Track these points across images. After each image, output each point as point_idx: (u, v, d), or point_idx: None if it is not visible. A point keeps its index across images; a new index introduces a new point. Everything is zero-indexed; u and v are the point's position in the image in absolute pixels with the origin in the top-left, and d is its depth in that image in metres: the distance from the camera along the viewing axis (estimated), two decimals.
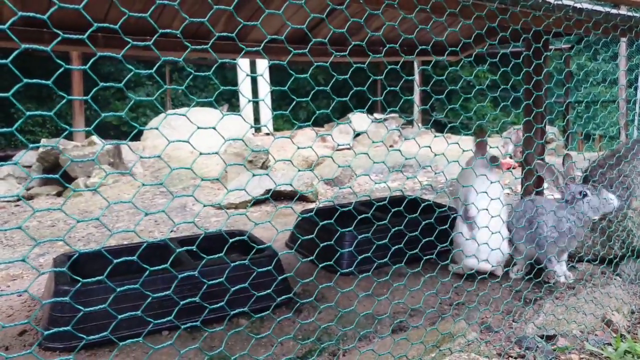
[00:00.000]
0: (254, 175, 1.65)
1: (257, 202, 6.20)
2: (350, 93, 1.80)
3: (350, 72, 1.80)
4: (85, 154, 7.66)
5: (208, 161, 8.44)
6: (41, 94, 13.57)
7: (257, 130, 13.35)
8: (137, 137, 10.65)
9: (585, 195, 2.87)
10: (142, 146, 9.48)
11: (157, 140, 9.47)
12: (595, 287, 2.91)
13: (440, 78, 1.99)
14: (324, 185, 7.38)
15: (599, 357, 2.37)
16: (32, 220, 5.78)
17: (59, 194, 7.11)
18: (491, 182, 2.42)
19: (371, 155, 1.98)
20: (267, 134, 12.74)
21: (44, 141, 7.93)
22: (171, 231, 4.93)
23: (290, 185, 1.91)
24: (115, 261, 1.26)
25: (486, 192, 2.23)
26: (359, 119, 11.40)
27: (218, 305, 1.58)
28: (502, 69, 2.21)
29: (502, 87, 2.18)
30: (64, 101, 1.20)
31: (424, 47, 1.79)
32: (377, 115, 12.63)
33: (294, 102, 1.58)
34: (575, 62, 11.75)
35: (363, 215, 2.09)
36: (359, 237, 3.15)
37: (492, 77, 2.22)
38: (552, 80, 2.66)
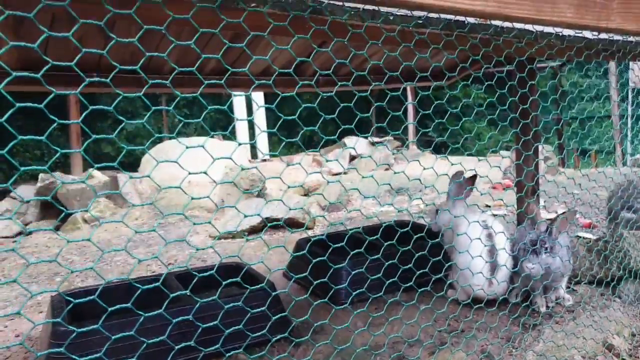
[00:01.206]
0: (248, 213, 1.67)
1: (254, 230, 6.20)
2: (350, 120, 1.83)
3: (345, 97, 1.85)
4: (82, 187, 7.68)
5: (204, 190, 8.46)
6: (39, 127, 13.67)
7: (254, 156, 13.43)
8: (134, 167, 10.68)
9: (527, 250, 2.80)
10: (140, 178, 9.50)
11: (155, 171, 9.50)
12: (594, 310, 2.91)
13: (431, 103, 2.03)
14: (321, 211, 7.39)
15: None
16: (30, 256, 5.78)
17: (57, 229, 7.11)
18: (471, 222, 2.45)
19: (367, 180, 2.00)
20: (264, 160, 12.80)
21: (41, 176, 7.95)
22: (169, 264, 4.93)
23: (288, 211, 1.93)
24: (109, 309, 1.27)
25: (478, 222, 2.25)
26: (354, 143, 11.49)
27: (215, 347, 1.58)
28: (491, 95, 2.25)
29: (487, 112, 2.22)
30: (63, 148, 1.22)
31: (409, 82, 1.84)
32: (372, 139, 12.71)
33: (293, 130, 1.61)
34: (568, 80, 11.89)
35: (358, 249, 2.10)
36: (355, 270, 3.15)
37: (482, 100, 2.26)
38: (546, 99, 2.69)
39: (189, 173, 1.44)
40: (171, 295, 1.43)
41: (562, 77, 11.38)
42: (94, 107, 1.16)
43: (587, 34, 2.57)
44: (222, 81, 1.54)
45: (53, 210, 7.63)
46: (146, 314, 1.43)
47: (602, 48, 2.62)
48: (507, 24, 2.29)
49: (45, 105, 1.19)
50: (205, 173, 1.41)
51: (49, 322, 2.34)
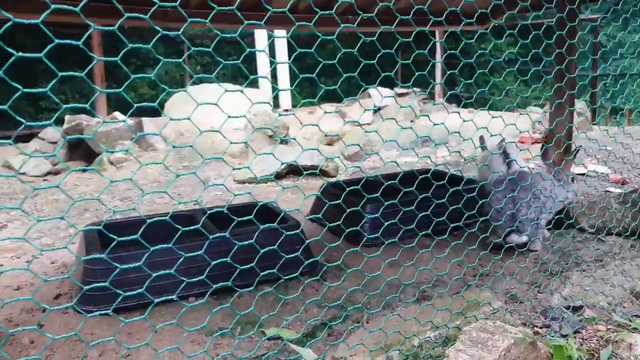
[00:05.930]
0: (272, 160, 1.65)
1: (278, 176, 6.23)
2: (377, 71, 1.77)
3: (369, 46, 1.78)
4: (108, 129, 7.76)
5: (229, 135, 8.47)
6: (63, 70, 13.63)
7: (276, 106, 13.33)
8: (158, 112, 10.70)
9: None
10: (164, 122, 9.54)
11: (178, 115, 9.52)
12: (624, 260, 2.87)
13: (461, 55, 1.94)
14: (344, 160, 7.38)
15: (627, 329, 2.34)
16: (61, 194, 5.91)
17: (84, 171, 7.24)
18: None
19: (392, 130, 1.96)
20: (286, 110, 12.70)
21: (67, 118, 8.04)
22: (194, 203, 4.99)
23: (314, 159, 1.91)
24: (147, 221, 1.28)
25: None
26: (379, 94, 11.28)
27: (247, 266, 1.60)
28: (522, 41, 2.15)
29: (517, 65, 2.10)
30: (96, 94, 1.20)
31: (438, 18, 1.75)
32: (397, 90, 12.47)
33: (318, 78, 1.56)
34: (604, 34, 11.40)
35: (383, 188, 2.08)
36: (380, 210, 3.14)
37: (512, 51, 2.14)
38: (580, 52, 2.56)
39: (214, 130, 1.42)
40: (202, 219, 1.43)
41: (597, 28, 10.90)
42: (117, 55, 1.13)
43: None
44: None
45: (80, 151, 7.75)
46: (183, 229, 1.44)
47: None
48: None
49: (68, 50, 1.17)
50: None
51: (83, 242, 2.39)
